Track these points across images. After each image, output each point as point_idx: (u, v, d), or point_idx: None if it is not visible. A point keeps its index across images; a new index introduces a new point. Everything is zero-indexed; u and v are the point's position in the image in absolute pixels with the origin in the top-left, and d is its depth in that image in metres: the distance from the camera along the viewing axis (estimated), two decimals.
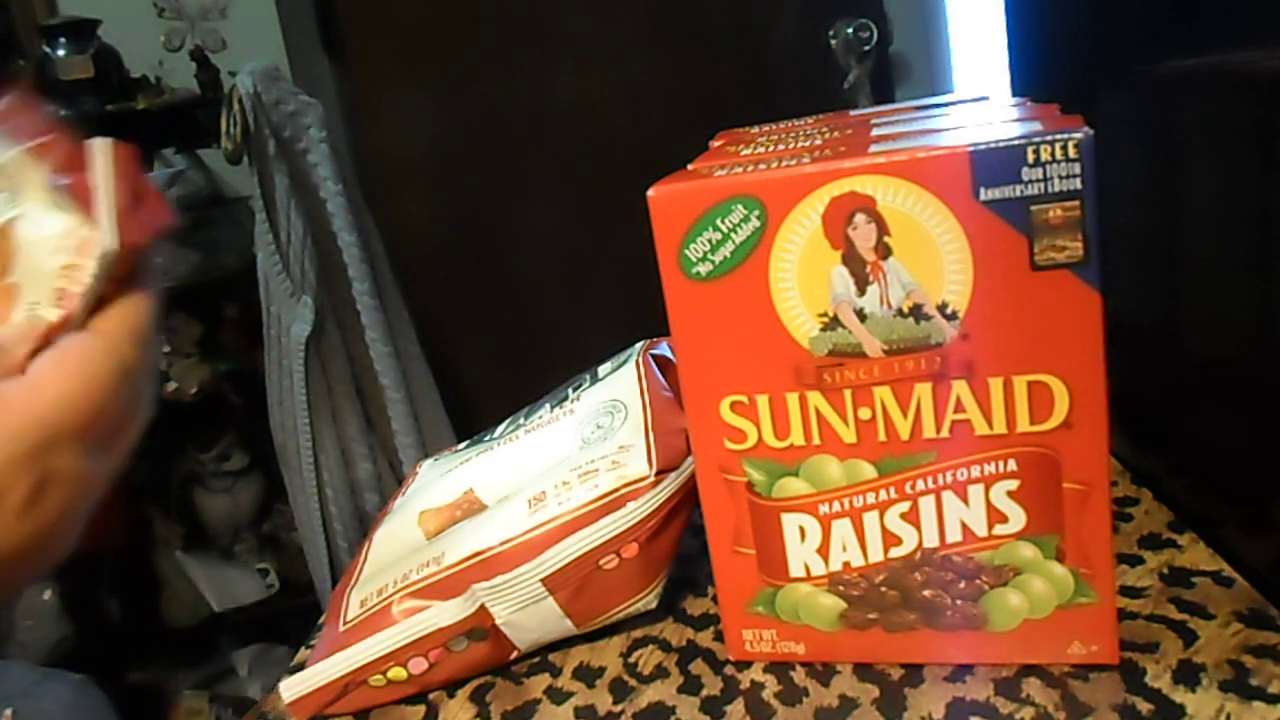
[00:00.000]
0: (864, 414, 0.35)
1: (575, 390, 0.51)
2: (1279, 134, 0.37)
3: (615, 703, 0.40)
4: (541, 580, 0.42)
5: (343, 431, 1.44)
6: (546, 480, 0.44)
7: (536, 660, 0.45)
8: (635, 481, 0.43)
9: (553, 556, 0.42)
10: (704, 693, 0.40)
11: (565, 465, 0.44)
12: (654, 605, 0.45)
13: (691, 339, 0.36)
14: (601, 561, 0.42)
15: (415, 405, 1.50)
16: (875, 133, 0.38)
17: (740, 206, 0.34)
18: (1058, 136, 0.31)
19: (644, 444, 0.44)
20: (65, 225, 0.31)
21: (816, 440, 0.36)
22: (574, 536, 0.42)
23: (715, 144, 0.44)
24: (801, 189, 0.33)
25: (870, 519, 0.37)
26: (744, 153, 0.39)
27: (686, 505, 0.44)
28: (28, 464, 0.28)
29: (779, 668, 0.40)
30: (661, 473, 0.43)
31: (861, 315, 0.34)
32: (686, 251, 0.35)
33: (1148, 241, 0.50)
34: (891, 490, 0.36)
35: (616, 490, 0.42)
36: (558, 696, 0.42)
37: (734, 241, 0.34)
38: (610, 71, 1.62)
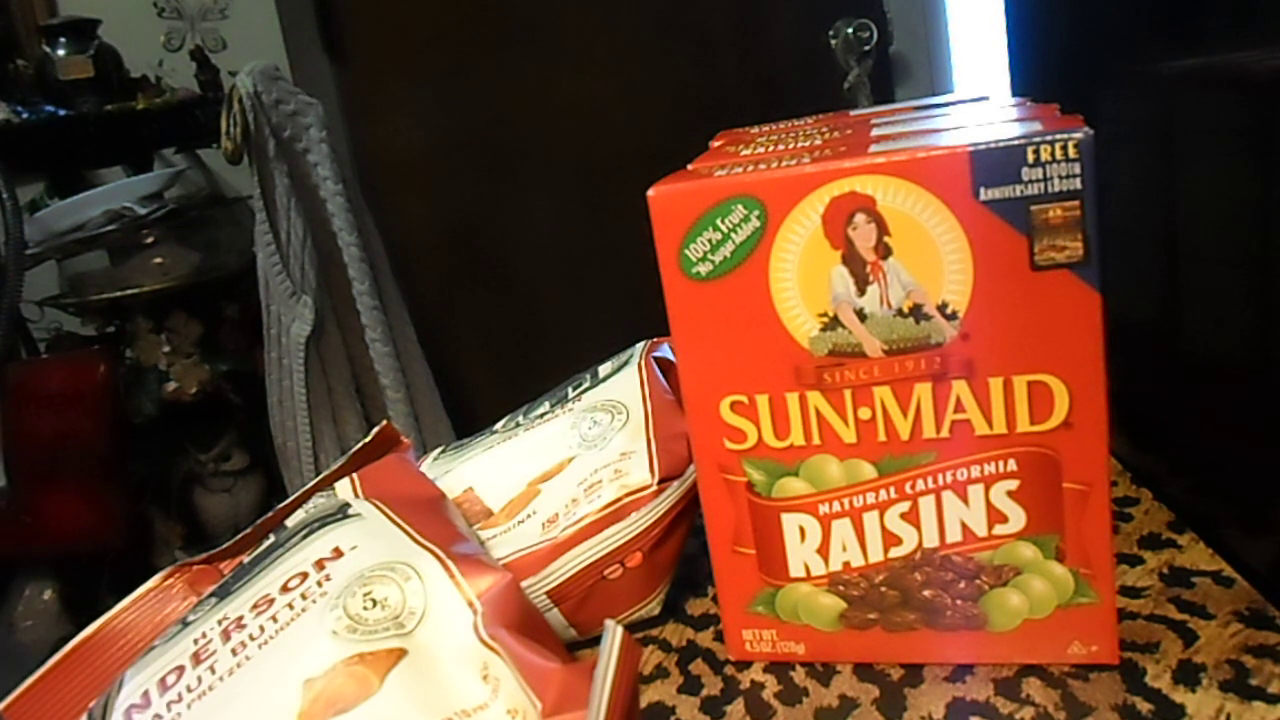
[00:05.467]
0: (864, 414, 0.35)
1: (575, 389, 0.51)
2: (1279, 134, 0.37)
3: None
4: (547, 593, 0.42)
5: (343, 431, 1.44)
6: (557, 501, 0.44)
7: None
8: (638, 491, 0.43)
9: (558, 569, 0.42)
10: (704, 693, 0.40)
11: (571, 481, 0.44)
12: (657, 611, 0.45)
13: (691, 339, 0.36)
14: (606, 572, 0.42)
15: (415, 405, 1.50)
16: (875, 133, 0.38)
17: (740, 206, 0.34)
18: (1058, 136, 0.31)
19: (646, 451, 0.44)
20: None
21: (816, 440, 0.36)
22: (578, 548, 0.42)
23: (715, 144, 0.44)
24: (801, 189, 0.33)
25: (870, 519, 0.37)
26: (744, 153, 0.39)
27: (689, 512, 0.44)
28: None
29: (779, 668, 0.40)
30: (664, 481, 0.43)
31: (861, 315, 0.34)
32: (686, 251, 0.35)
33: (1148, 241, 0.50)
34: (891, 490, 0.36)
35: (619, 500, 0.43)
36: None
37: (734, 241, 0.34)
38: (610, 71, 1.62)
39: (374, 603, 0.31)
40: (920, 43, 1.59)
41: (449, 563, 0.32)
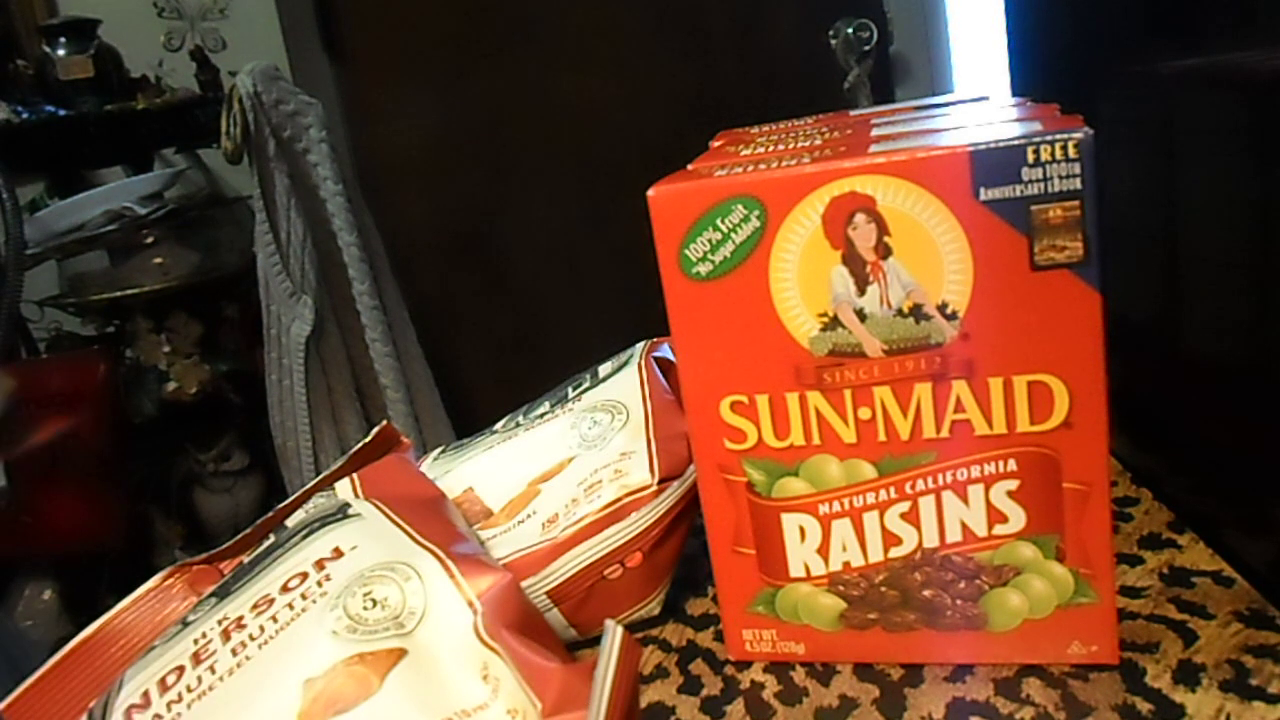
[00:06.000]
0: (864, 414, 0.35)
1: (575, 389, 0.51)
2: (1279, 134, 0.37)
3: None
4: (547, 593, 0.42)
5: (343, 431, 1.44)
6: (557, 501, 0.44)
7: None
8: (638, 490, 0.43)
9: (558, 569, 0.42)
10: (704, 693, 0.40)
11: (571, 481, 0.44)
12: (657, 611, 0.45)
13: (691, 339, 0.36)
14: (606, 572, 0.42)
15: (415, 405, 1.50)
16: (875, 133, 0.38)
17: (740, 206, 0.34)
18: (1058, 136, 0.31)
19: (645, 451, 0.44)
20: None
21: (816, 440, 0.36)
22: (578, 548, 0.42)
23: (715, 144, 0.44)
24: (801, 189, 0.33)
25: (870, 519, 0.37)
26: (744, 153, 0.39)
27: (689, 512, 0.44)
28: None
29: (779, 668, 0.40)
30: (664, 481, 0.43)
31: (861, 315, 0.34)
32: (686, 251, 0.35)
33: (1148, 241, 0.50)
34: (891, 490, 0.36)
35: (620, 500, 0.43)
36: None
37: (734, 241, 0.34)
38: (610, 71, 1.62)
39: (374, 603, 0.31)
40: (920, 43, 1.59)
41: (449, 562, 0.32)
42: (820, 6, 1.56)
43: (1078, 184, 0.31)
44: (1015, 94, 0.44)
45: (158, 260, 1.45)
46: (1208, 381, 0.46)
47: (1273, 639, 0.36)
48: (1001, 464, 0.35)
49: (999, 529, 0.36)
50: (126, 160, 1.56)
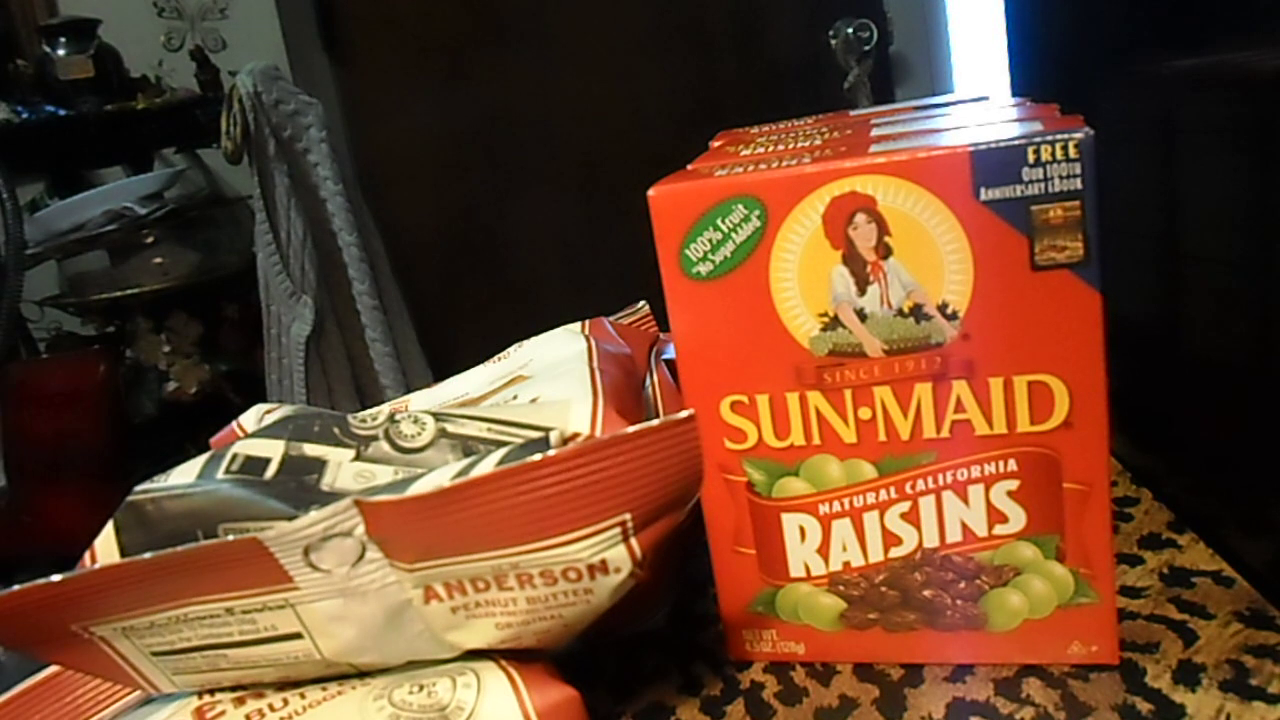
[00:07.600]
0: (864, 414, 0.35)
1: None
2: (1279, 134, 0.37)
3: (615, 703, 0.40)
4: None
5: None
6: None
7: None
8: None
9: None
10: (704, 693, 0.40)
11: None
12: (663, 624, 0.44)
13: (692, 339, 0.36)
14: None
15: None
16: (875, 133, 0.38)
17: (741, 206, 0.34)
18: (1058, 136, 0.31)
19: None
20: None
21: (817, 440, 0.36)
22: None
23: (715, 144, 0.44)
24: (802, 189, 0.33)
25: (870, 519, 0.37)
26: (744, 153, 0.39)
27: (697, 524, 0.43)
28: None
29: (779, 668, 0.40)
30: None
31: (862, 315, 0.34)
32: (687, 251, 0.35)
33: (1148, 241, 0.50)
34: (891, 490, 0.36)
35: None
36: None
37: (734, 241, 0.34)
38: (610, 71, 1.62)
39: (420, 687, 0.29)
40: (920, 43, 1.59)
41: (512, 672, 0.31)
42: (820, 6, 1.56)
43: (1078, 184, 0.31)
44: (1015, 94, 0.44)
45: (158, 260, 1.45)
46: (1207, 381, 0.46)
47: (1273, 639, 0.36)
48: (1002, 464, 0.35)
49: (999, 529, 0.36)
50: (126, 160, 1.56)
